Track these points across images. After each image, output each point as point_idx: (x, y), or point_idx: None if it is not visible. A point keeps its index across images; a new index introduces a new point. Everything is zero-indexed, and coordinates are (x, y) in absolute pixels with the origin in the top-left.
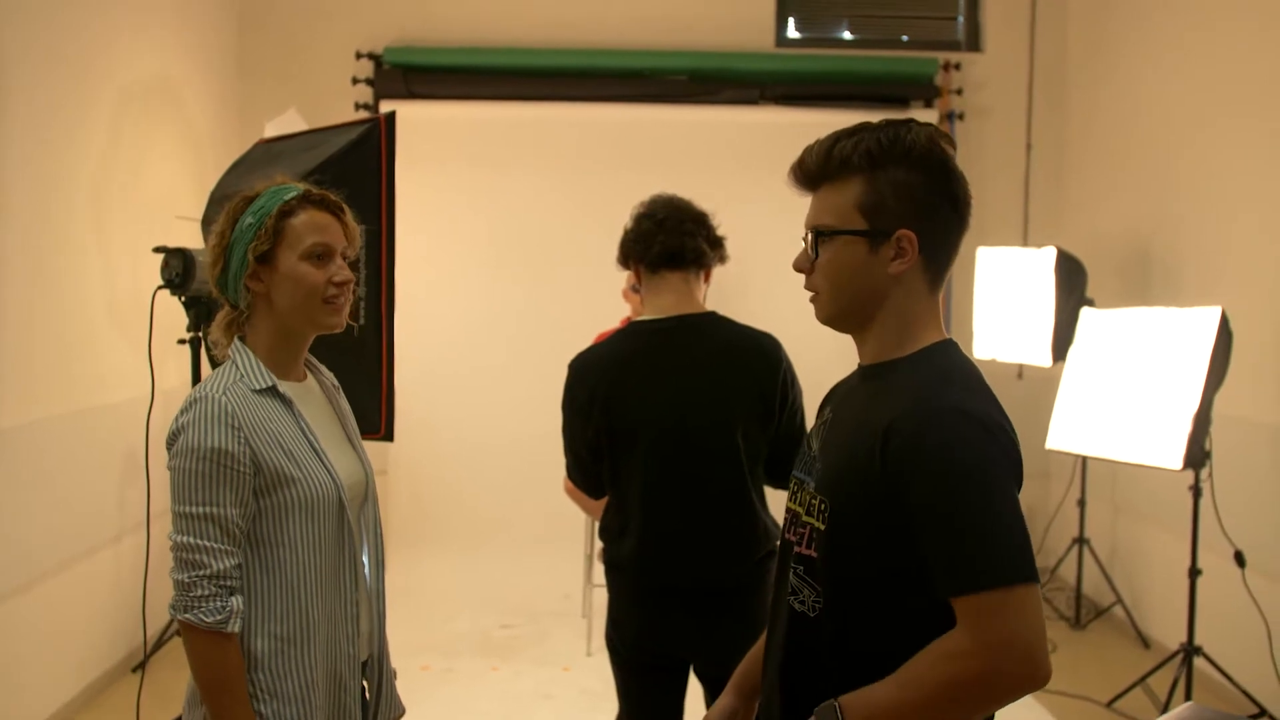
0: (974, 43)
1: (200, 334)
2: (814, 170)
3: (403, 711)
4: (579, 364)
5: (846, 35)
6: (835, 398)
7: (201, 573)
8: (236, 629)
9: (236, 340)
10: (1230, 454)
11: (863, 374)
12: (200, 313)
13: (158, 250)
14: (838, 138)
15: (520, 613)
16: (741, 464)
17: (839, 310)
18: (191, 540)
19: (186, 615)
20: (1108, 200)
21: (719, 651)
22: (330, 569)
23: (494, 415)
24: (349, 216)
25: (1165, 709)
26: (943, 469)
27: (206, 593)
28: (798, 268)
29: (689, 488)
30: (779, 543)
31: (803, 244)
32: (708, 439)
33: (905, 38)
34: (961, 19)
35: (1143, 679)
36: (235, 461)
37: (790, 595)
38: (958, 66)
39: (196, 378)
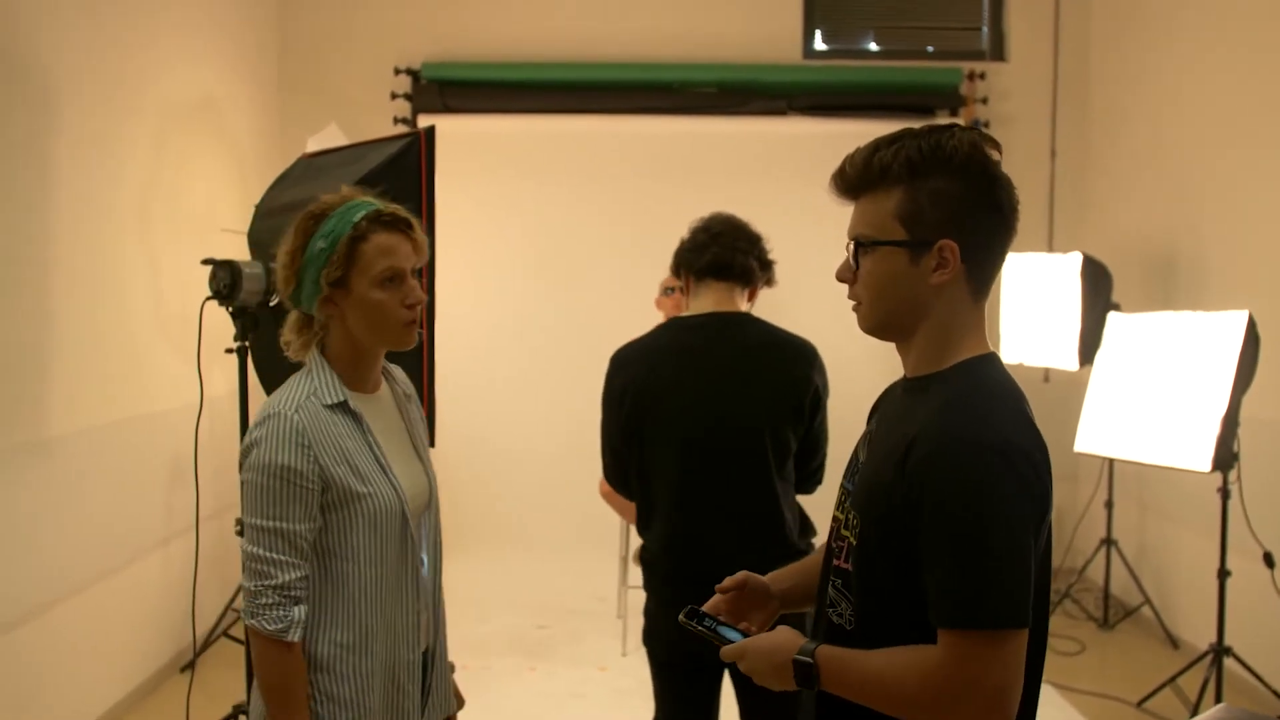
0: (998, 52)
1: (247, 343)
2: (854, 179)
3: (456, 708)
4: (619, 355)
5: (873, 46)
6: (881, 407)
7: (267, 583)
8: (296, 638)
9: (315, 351)
10: (1258, 456)
11: (905, 386)
12: (247, 323)
13: (206, 262)
14: (878, 146)
15: (555, 613)
16: (769, 460)
17: (880, 321)
18: (260, 551)
19: (251, 621)
20: (1132, 206)
21: None
22: (392, 579)
23: (529, 419)
24: (417, 231)
25: (1195, 710)
26: (949, 501)
27: (270, 601)
28: (840, 278)
29: (716, 483)
30: (825, 549)
31: (846, 253)
32: (736, 434)
33: (930, 48)
34: (986, 29)
35: (1172, 679)
36: (304, 479)
37: (829, 608)
38: (982, 76)
39: (244, 386)
